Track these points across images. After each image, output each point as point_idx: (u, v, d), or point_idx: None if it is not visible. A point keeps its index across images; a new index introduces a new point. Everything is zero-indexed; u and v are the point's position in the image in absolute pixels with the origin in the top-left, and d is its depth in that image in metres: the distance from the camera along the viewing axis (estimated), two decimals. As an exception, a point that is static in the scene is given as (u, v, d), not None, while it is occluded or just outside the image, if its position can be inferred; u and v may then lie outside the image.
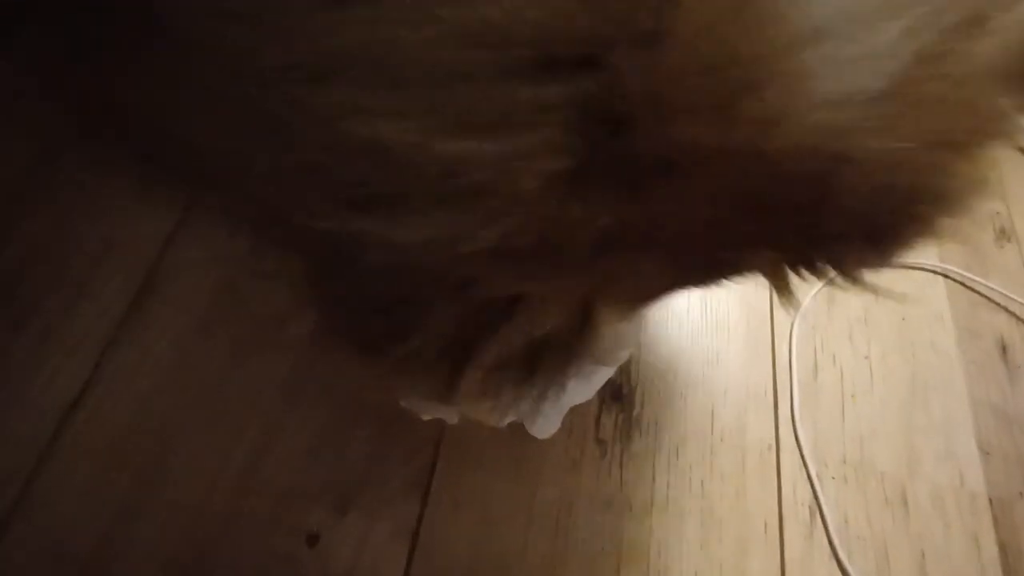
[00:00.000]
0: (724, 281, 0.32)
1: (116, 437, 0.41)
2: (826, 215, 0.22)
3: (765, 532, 0.43)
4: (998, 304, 0.53)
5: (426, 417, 0.42)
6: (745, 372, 0.48)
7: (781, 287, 0.33)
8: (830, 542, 0.42)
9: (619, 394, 0.46)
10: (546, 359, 0.25)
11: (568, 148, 0.18)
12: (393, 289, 0.22)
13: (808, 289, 0.53)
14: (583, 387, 0.42)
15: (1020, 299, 0.53)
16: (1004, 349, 0.51)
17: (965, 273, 0.54)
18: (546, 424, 0.42)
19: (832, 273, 0.31)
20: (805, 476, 0.45)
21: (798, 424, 0.46)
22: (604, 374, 0.42)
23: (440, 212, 0.18)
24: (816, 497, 0.44)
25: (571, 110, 0.18)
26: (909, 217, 0.26)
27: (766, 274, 0.32)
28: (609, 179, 0.19)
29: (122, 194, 0.49)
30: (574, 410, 0.43)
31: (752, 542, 0.42)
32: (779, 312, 0.51)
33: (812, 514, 0.43)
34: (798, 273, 0.32)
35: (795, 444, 0.46)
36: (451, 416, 0.42)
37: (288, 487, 0.41)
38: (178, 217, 0.49)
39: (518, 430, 0.43)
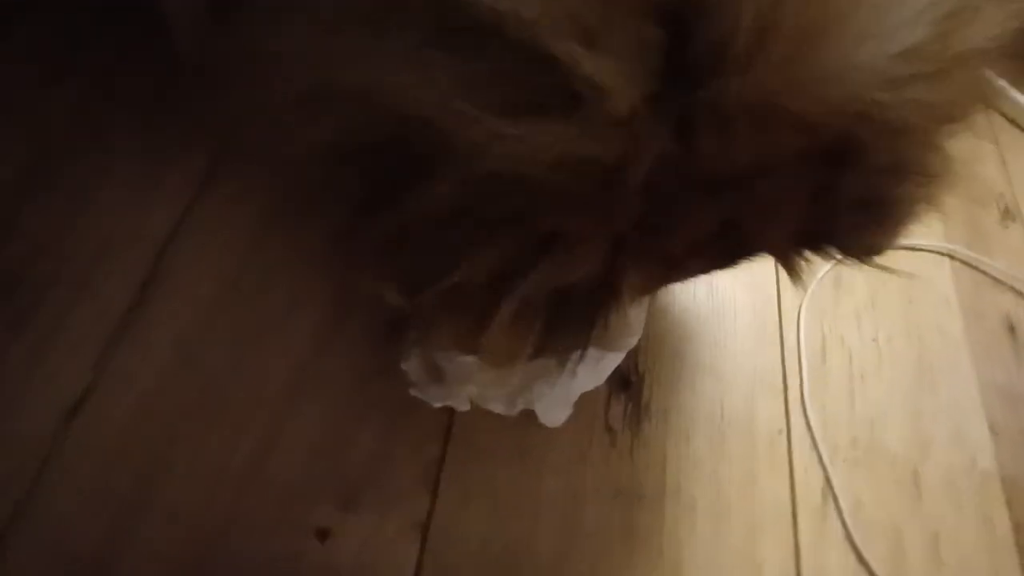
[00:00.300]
0: (737, 260, 0.32)
1: (118, 438, 0.41)
2: (844, 180, 0.24)
3: (778, 517, 0.42)
4: (1004, 284, 0.53)
5: (437, 404, 0.41)
6: (753, 357, 0.48)
7: (790, 268, 0.33)
8: (844, 526, 0.42)
9: (627, 382, 0.46)
10: (568, 318, 0.26)
11: (654, 83, 0.21)
12: (448, 221, 0.24)
13: (815, 272, 0.52)
14: (592, 373, 0.42)
15: (1026, 279, 0.53)
16: (1011, 329, 0.51)
17: (970, 253, 0.54)
18: (556, 411, 0.42)
19: (838, 255, 0.32)
20: (817, 460, 0.44)
21: (808, 408, 0.46)
22: (612, 360, 0.42)
23: (553, 120, 0.21)
24: (828, 481, 0.43)
25: (662, 51, 0.21)
26: (915, 184, 0.27)
27: (777, 254, 0.33)
28: (671, 120, 0.22)
29: (121, 192, 0.49)
30: (582, 399, 0.43)
31: (765, 528, 0.42)
32: (786, 296, 0.51)
33: (825, 498, 0.43)
34: (803, 256, 0.33)
35: (806, 428, 0.45)
36: (461, 402, 0.41)
37: (294, 484, 0.40)
38: (178, 216, 0.49)
39: (525, 420, 0.42)
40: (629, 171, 0.22)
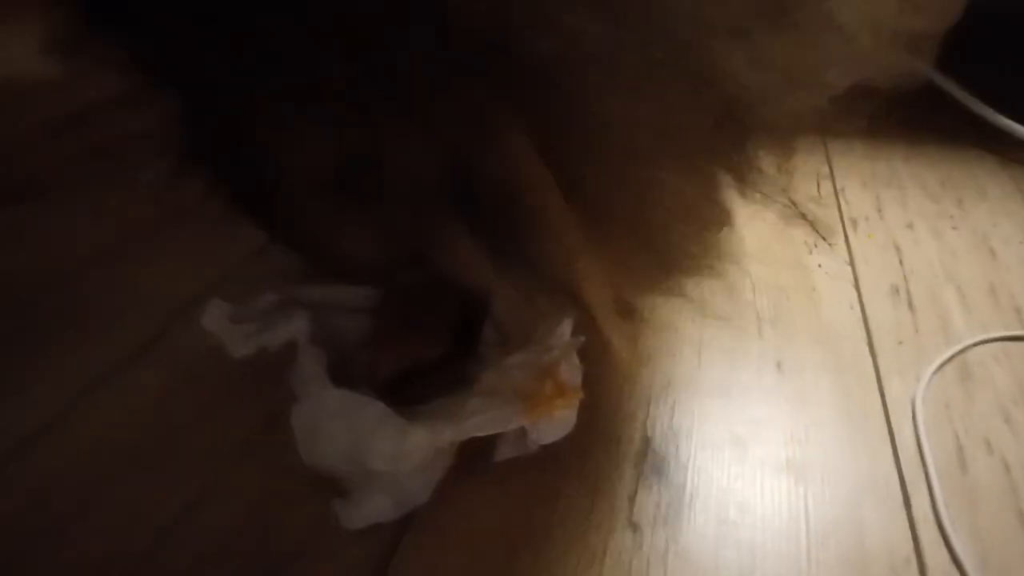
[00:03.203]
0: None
1: None
2: None
3: None
4: None
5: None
6: (852, 456, 0.34)
7: None
8: None
9: (662, 465, 0.33)
10: None
11: None
12: None
13: (931, 359, 0.39)
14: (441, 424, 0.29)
15: None
16: None
17: None
18: (358, 509, 0.29)
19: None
20: (976, 608, 0.27)
21: (948, 530, 0.30)
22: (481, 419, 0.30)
23: None
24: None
25: None
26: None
27: None
28: None
29: None
30: (592, 474, 0.31)
31: None
32: (891, 385, 0.38)
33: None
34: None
35: (948, 557, 0.29)
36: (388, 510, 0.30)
37: None
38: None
39: (510, 501, 0.31)
40: None
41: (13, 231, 0.51)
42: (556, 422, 0.31)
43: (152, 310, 0.44)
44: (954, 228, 0.52)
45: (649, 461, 0.34)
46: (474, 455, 0.32)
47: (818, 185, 0.59)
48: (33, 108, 0.63)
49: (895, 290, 0.46)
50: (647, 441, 0.35)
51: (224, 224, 0.50)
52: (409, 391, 0.33)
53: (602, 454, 0.34)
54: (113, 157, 0.58)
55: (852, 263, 0.49)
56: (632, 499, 0.32)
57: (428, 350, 0.35)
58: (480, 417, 0.29)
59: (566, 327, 0.34)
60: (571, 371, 0.33)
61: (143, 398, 0.38)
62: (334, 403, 0.29)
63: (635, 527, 0.31)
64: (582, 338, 0.35)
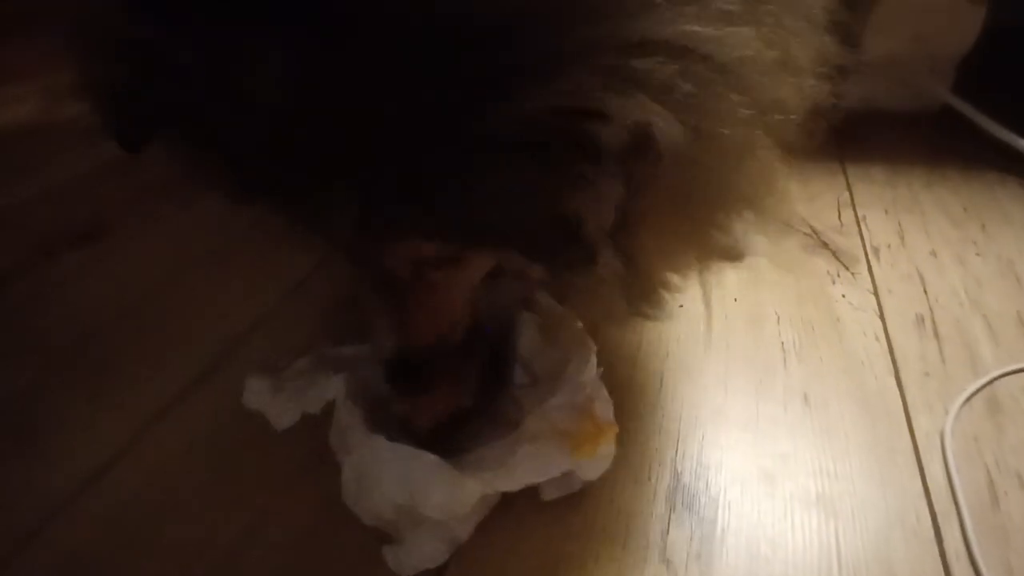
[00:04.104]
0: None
1: None
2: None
3: None
4: None
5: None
6: (881, 490, 0.34)
7: None
8: None
9: (693, 500, 0.34)
10: None
11: None
12: None
13: (959, 390, 0.40)
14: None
15: None
16: None
17: None
18: (409, 556, 0.30)
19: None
20: (1013, 648, 0.28)
21: (981, 565, 0.30)
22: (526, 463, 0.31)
23: None
24: None
25: None
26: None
27: None
28: None
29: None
30: (625, 512, 0.32)
31: None
32: (919, 418, 0.38)
33: None
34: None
35: (982, 593, 0.29)
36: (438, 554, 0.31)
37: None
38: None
39: (545, 542, 0.32)
40: None
41: (82, 270, 0.54)
42: (599, 459, 0.33)
43: (204, 345, 0.46)
44: (978, 255, 0.52)
45: (680, 496, 0.35)
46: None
47: (839, 213, 0.59)
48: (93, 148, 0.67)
49: (920, 320, 0.46)
50: (677, 476, 0.36)
51: (269, 255, 0.52)
52: (446, 438, 0.34)
53: (634, 489, 0.35)
54: (169, 193, 0.61)
55: (876, 292, 0.49)
56: (665, 535, 0.33)
57: (462, 398, 0.36)
58: (529, 465, 0.31)
59: (592, 362, 0.35)
60: (603, 406, 0.34)
61: (198, 430, 0.40)
62: (386, 454, 0.30)
63: (668, 563, 0.31)
64: (601, 369, 0.36)
